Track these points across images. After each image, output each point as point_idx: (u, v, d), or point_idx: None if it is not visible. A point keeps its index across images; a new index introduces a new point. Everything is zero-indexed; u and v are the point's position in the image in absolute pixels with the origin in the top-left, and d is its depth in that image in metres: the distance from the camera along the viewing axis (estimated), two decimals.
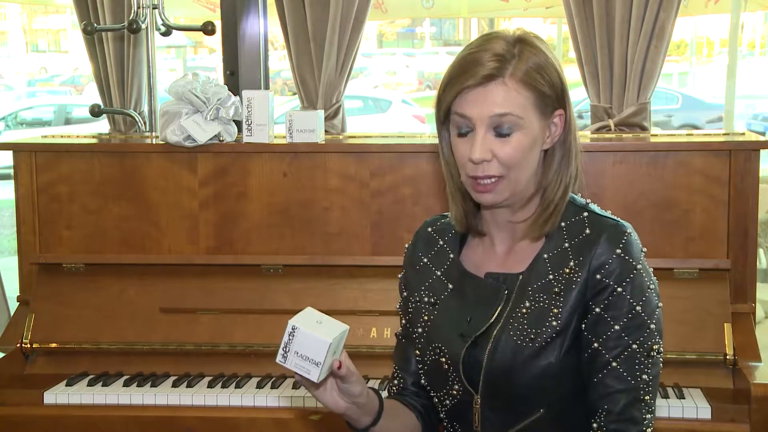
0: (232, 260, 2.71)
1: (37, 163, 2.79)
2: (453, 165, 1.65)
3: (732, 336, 2.44)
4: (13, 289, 2.98)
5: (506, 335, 1.60)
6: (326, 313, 1.53)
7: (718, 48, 16.94)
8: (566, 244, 1.61)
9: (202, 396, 2.49)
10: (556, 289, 1.59)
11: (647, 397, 1.57)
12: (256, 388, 2.52)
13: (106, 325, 2.67)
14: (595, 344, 1.57)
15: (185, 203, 2.75)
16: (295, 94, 3.60)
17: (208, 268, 2.71)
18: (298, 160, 2.72)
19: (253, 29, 3.41)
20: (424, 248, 1.77)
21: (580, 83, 3.05)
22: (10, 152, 2.84)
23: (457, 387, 1.66)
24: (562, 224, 1.63)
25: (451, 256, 1.73)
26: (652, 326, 1.58)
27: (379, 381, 2.51)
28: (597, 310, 1.57)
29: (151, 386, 2.54)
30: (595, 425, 1.58)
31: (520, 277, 1.63)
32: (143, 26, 3.16)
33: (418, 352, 1.73)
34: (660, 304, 1.61)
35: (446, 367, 1.66)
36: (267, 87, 3.46)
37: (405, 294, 1.79)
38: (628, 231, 1.60)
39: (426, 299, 1.72)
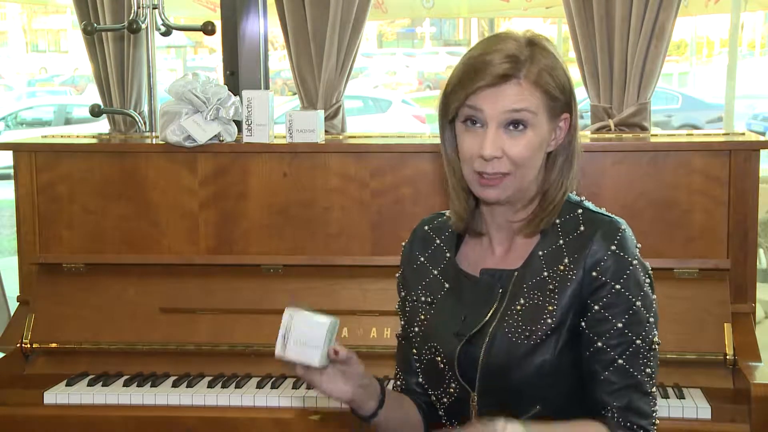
0: (232, 260, 2.71)
1: (37, 163, 2.79)
2: (456, 161, 1.65)
3: (732, 336, 2.44)
4: (13, 289, 2.98)
5: (501, 332, 1.61)
6: (326, 313, 1.55)
7: (718, 48, 16.94)
8: (561, 241, 1.62)
9: (202, 396, 2.49)
10: (551, 286, 1.60)
11: (652, 390, 1.60)
12: (256, 388, 2.52)
13: (106, 325, 2.67)
14: (599, 343, 1.58)
15: (185, 203, 2.75)
16: (295, 94, 3.60)
17: (208, 268, 2.71)
18: (298, 160, 2.72)
19: (253, 29, 3.41)
20: (420, 247, 1.77)
21: (580, 83, 3.04)
22: (10, 152, 2.84)
23: (453, 385, 1.66)
24: (557, 221, 1.64)
25: (448, 255, 1.73)
26: (651, 319, 1.60)
27: None
28: (596, 308, 1.58)
29: (151, 386, 2.54)
30: (607, 423, 1.58)
31: (515, 273, 1.64)
32: (143, 26, 3.16)
33: (415, 351, 1.73)
34: (654, 296, 1.62)
35: (442, 366, 1.67)
36: (267, 87, 3.46)
37: (403, 293, 1.79)
38: (623, 227, 1.61)
39: (423, 298, 1.73)
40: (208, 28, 3.17)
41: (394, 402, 1.69)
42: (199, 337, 2.64)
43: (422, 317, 1.72)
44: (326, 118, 3.10)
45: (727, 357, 2.42)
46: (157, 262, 2.73)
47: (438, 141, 1.69)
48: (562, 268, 1.60)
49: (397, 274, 1.81)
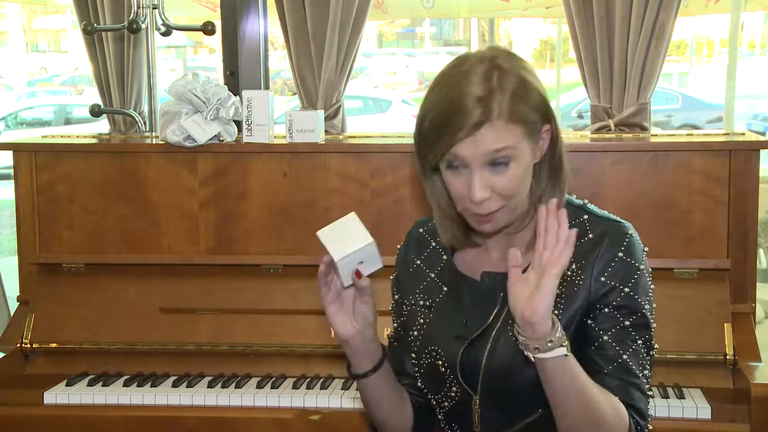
0: (232, 260, 2.71)
1: (37, 163, 2.79)
2: (442, 195, 1.63)
3: (732, 336, 2.44)
4: (13, 289, 2.98)
5: (505, 336, 1.60)
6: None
7: (718, 48, 16.95)
8: None
9: (202, 396, 2.49)
10: (557, 291, 1.59)
11: (649, 392, 1.60)
12: (256, 388, 2.52)
13: (106, 325, 2.67)
14: (605, 337, 1.58)
15: (185, 203, 2.75)
16: (295, 94, 3.60)
17: (208, 268, 2.71)
18: (298, 160, 2.72)
19: (253, 29, 3.41)
20: (416, 250, 1.76)
21: (580, 83, 3.05)
22: (10, 152, 2.84)
23: (455, 389, 1.66)
24: None
25: (444, 257, 1.72)
26: (654, 325, 1.61)
27: None
28: (606, 310, 1.58)
29: (151, 386, 2.54)
30: None
31: None
32: (143, 26, 3.16)
33: (414, 355, 1.73)
34: (654, 305, 1.63)
35: (443, 369, 1.66)
36: (267, 87, 3.46)
37: (397, 296, 1.79)
38: (630, 232, 1.61)
39: (421, 302, 1.72)
40: (208, 28, 3.17)
41: (392, 381, 1.68)
42: (199, 337, 2.64)
43: (421, 321, 1.71)
44: (326, 118, 3.10)
45: (727, 357, 2.42)
46: (157, 262, 2.73)
47: None
48: (569, 273, 1.59)
49: (391, 277, 1.80)
